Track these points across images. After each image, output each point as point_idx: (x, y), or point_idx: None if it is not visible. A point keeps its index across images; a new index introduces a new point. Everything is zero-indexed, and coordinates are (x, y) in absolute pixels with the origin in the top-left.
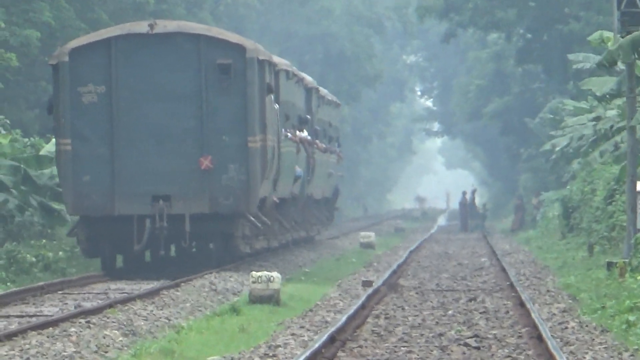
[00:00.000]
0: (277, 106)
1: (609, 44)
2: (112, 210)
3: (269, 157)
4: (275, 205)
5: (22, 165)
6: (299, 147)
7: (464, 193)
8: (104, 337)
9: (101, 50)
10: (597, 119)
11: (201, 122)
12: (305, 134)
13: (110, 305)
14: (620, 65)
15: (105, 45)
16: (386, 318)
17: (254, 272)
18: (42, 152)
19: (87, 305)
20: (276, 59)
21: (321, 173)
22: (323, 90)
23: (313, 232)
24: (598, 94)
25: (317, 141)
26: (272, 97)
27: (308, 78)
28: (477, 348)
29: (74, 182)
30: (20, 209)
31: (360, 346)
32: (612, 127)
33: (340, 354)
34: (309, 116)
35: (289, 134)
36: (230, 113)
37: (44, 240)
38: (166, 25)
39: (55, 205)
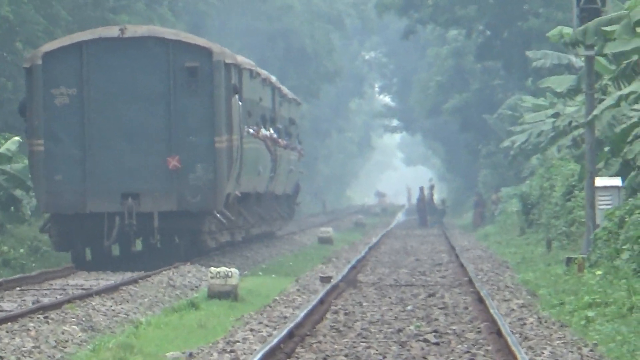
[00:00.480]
0: (240, 103)
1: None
2: (83, 207)
3: (234, 156)
4: (238, 200)
5: None
6: (262, 144)
7: (422, 189)
8: (63, 333)
9: (73, 54)
10: (556, 115)
11: (169, 123)
12: (270, 131)
13: (68, 301)
14: (579, 62)
15: (77, 48)
16: (345, 314)
17: (212, 268)
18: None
19: (46, 300)
20: (240, 58)
21: (283, 170)
22: (285, 89)
23: (275, 227)
24: (558, 90)
25: (279, 139)
26: (237, 96)
27: (271, 77)
28: (437, 344)
29: (46, 181)
30: None
31: (319, 342)
32: (570, 123)
33: (298, 349)
34: (272, 114)
35: (251, 131)
36: (198, 114)
37: (2, 236)
38: (136, 30)
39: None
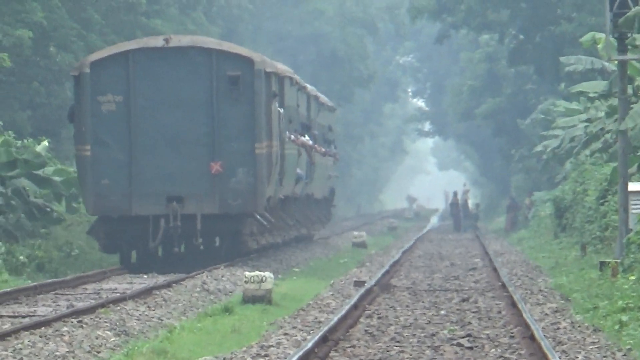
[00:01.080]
0: (281, 110)
1: (600, 45)
2: (129, 210)
3: (273, 161)
4: (279, 204)
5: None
6: (301, 151)
7: (455, 193)
8: (97, 337)
9: (120, 63)
10: (589, 120)
11: (212, 130)
12: (306, 138)
13: (102, 305)
14: (612, 67)
15: (124, 57)
16: (378, 318)
17: (246, 272)
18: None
19: (80, 305)
20: (280, 67)
21: (320, 174)
22: (321, 96)
23: (313, 230)
24: (591, 94)
25: (317, 145)
26: (277, 102)
27: (308, 86)
28: (470, 348)
29: (93, 185)
30: (11, 208)
31: (353, 346)
32: (602, 128)
33: (332, 353)
34: (308, 122)
35: (292, 137)
36: (239, 121)
37: (39, 240)
38: (180, 40)
39: (53, 206)
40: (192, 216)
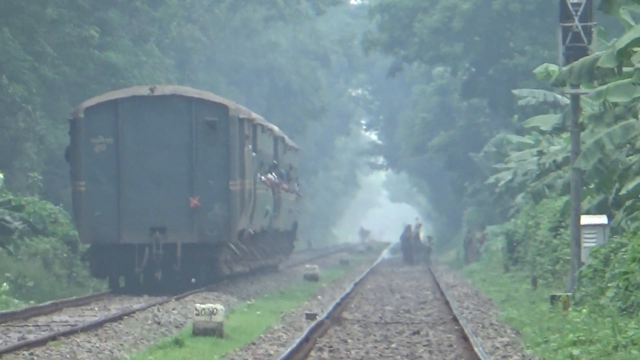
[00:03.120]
0: (254, 154)
1: (552, 79)
2: (118, 239)
3: (246, 197)
4: (250, 237)
5: None
6: (269, 189)
7: (408, 227)
8: None
9: (110, 109)
10: (540, 153)
11: (191, 168)
12: (273, 176)
13: (53, 338)
14: (565, 100)
15: (113, 105)
16: (330, 351)
17: (197, 305)
18: None
19: (31, 337)
20: (253, 114)
21: (285, 210)
22: (286, 138)
23: (276, 261)
24: (543, 128)
25: (282, 182)
26: (250, 147)
27: (275, 128)
28: None
29: (87, 217)
30: None
31: None
32: (554, 161)
33: None
34: (276, 161)
35: (262, 177)
36: (216, 161)
37: None
38: (164, 89)
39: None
40: (173, 245)
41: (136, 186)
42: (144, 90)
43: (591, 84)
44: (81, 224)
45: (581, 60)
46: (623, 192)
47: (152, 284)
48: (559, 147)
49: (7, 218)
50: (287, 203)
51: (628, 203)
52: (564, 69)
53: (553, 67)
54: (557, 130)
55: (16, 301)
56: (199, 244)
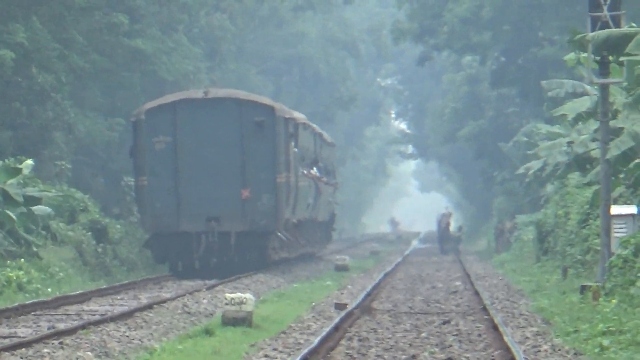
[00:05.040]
0: (297, 150)
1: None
2: (177, 228)
3: (291, 189)
4: (293, 226)
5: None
6: (310, 182)
7: (443, 215)
8: (77, 359)
9: (168, 110)
10: (571, 143)
11: (242, 163)
12: (314, 170)
13: (83, 327)
14: (594, 91)
15: (172, 107)
16: (359, 340)
17: (227, 294)
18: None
19: (61, 326)
20: (296, 114)
21: (324, 201)
22: (325, 135)
23: (316, 249)
24: (571, 117)
25: (322, 176)
26: (293, 144)
27: (315, 126)
28: None
29: (149, 208)
30: None
31: None
32: (585, 151)
33: None
34: (315, 156)
35: (304, 171)
36: (263, 156)
37: (22, 260)
38: (217, 92)
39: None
40: (227, 233)
41: (193, 180)
42: (198, 94)
43: (614, 55)
44: (144, 215)
45: (608, 30)
46: None
47: (207, 268)
48: (588, 136)
49: (36, 208)
50: (326, 195)
51: None
52: (590, 34)
53: (584, 54)
54: (589, 115)
55: (48, 290)
56: (250, 232)
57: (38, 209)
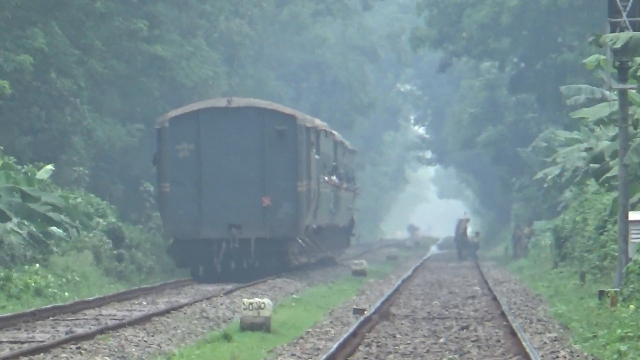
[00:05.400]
0: (318, 157)
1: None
2: (198, 234)
3: (311, 197)
4: (313, 231)
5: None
6: (331, 189)
7: (461, 221)
8: None
9: (192, 119)
10: (589, 149)
11: (263, 171)
12: (334, 177)
13: (101, 331)
14: (613, 96)
15: (195, 115)
16: (377, 346)
17: (245, 300)
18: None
19: (79, 331)
20: (317, 122)
21: (344, 207)
22: (345, 142)
23: (335, 254)
24: (591, 121)
25: (342, 183)
26: (315, 151)
27: (336, 133)
28: None
29: (171, 214)
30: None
31: None
32: (603, 157)
33: None
34: (335, 163)
35: (325, 178)
36: (284, 165)
37: (37, 265)
38: (239, 101)
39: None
40: (247, 240)
41: (215, 187)
42: (222, 102)
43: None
44: (166, 221)
45: (628, 33)
46: None
47: (227, 274)
48: (607, 143)
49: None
50: (346, 201)
51: None
52: (610, 35)
53: (604, 57)
54: (607, 121)
55: (66, 295)
56: (270, 239)
57: (52, 230)
